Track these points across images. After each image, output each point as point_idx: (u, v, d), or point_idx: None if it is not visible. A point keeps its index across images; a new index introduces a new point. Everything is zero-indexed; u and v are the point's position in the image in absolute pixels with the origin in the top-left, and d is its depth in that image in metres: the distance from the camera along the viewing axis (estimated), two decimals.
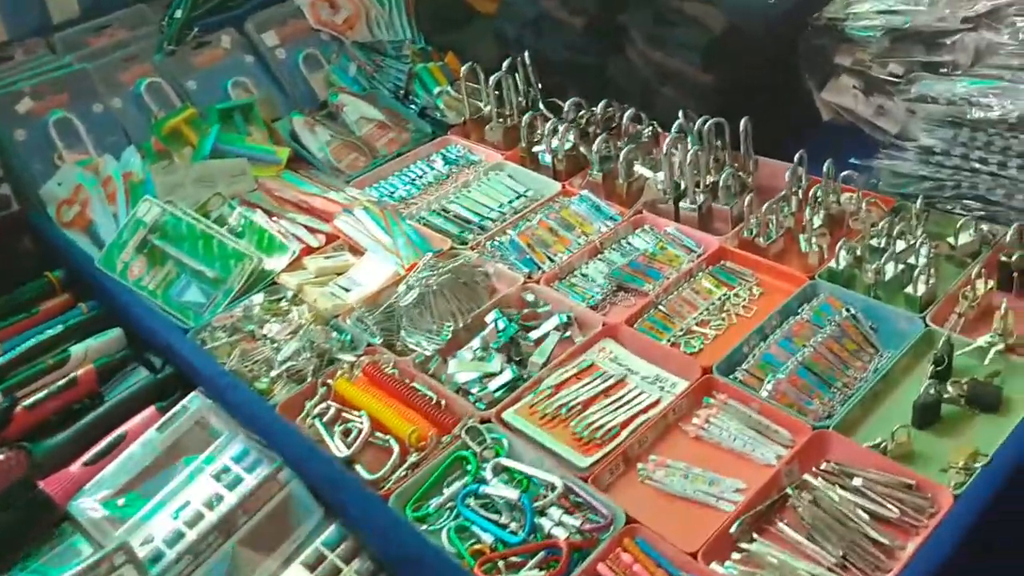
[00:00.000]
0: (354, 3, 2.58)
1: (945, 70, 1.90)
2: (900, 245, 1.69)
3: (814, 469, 1.35)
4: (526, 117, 2.16)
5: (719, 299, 1.72)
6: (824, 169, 1.83)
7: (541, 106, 2.26)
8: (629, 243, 1.90)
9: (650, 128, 2.12)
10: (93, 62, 2.33)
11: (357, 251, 1.95)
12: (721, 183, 1.88)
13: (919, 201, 1.73)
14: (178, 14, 2.42)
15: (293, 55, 2.52)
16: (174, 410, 1.68)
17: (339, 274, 1.90)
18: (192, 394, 1.70)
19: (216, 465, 1.57)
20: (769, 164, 1.98)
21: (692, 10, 2.01)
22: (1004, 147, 1.71)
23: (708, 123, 1.94)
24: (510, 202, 2.05)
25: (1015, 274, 1.59)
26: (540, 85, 2.29)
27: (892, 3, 1.93)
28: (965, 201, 1.75)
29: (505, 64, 2.24)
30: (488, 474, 1.40)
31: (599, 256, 1.87)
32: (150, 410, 1.71)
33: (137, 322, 1.89)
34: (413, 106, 2.42)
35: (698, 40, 1.99)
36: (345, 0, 2.57)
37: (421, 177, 2.20)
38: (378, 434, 1.53)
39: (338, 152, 2.27)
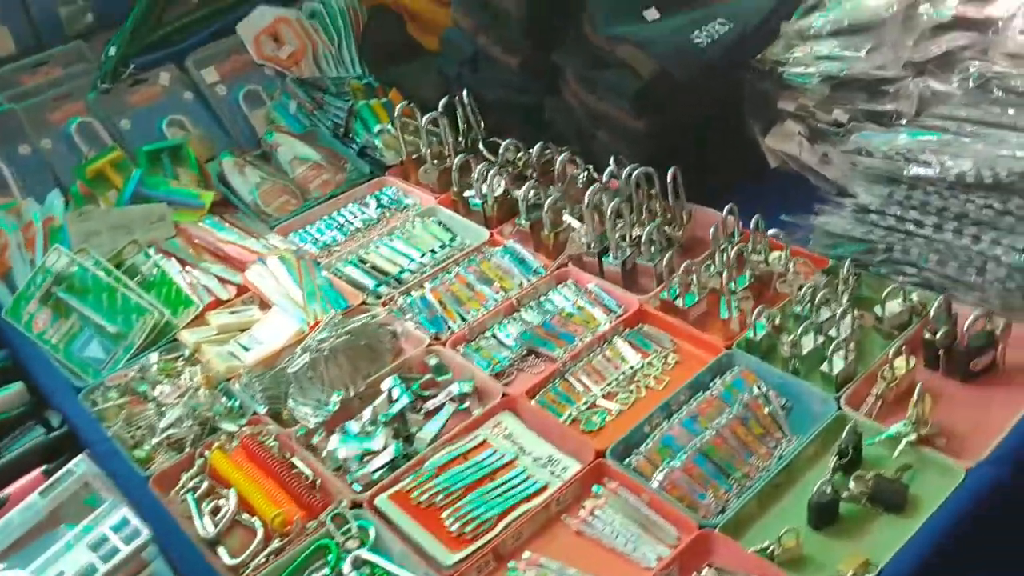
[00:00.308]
0: (300, 38, 2.50)
1: (888, 119, 1.77)
2: (825, 313, 1.57)
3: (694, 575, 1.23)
4: (457, 160, 2.06)
5: (631, 368, 1.61)
6: (752, 224, 1.71)
7: (480, 146, 2.16)
8: (550, 300, 1.79)
9: (585, 173, 2.01)
10: (23, 102, 2.28)
11: (268, 305, 1.87)
12: (644, 237, 1.76)
13: (847, 264, 1.60)
14: (112, 51, 2.36)
15: (234, 92, 2.44)
16: (59, 474, 1.60)
17: (243, 330, 1.82)
18: (78, 457, 1.62)
19: (95, 534, 1.50)
20: (707, 214, 1.86)
21: (623, 53, 1.89)
22: (941, 208, 1.58)
23: (635, 172, 1.83)
24: (433, 252, 1.95)
25: (941, 352, 1.46)
26: (482, 124, 2.19)
27: (831, 48, 1.80)
28: (898, 266, 1.61)
29: (441, 103, 2.15)
30: (347, 567, 1.30)
31: (515, 315, 1.76)
32: (35, 473, 1.65)
33: (36, 377, 1.83)
34: (353, 145, 2.33)
35: (628, 85, 1.88)
36: (290, 35, 2.49)
37: (350, 222, 2.10)
38: (245, 515, 1.44)
39: (268, 195, 2.18)
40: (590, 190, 1.81)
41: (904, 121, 1.76)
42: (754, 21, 1.90)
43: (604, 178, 1.91)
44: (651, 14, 2.02)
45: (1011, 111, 1.68)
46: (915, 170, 1.60)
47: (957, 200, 1.57)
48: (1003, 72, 1.73)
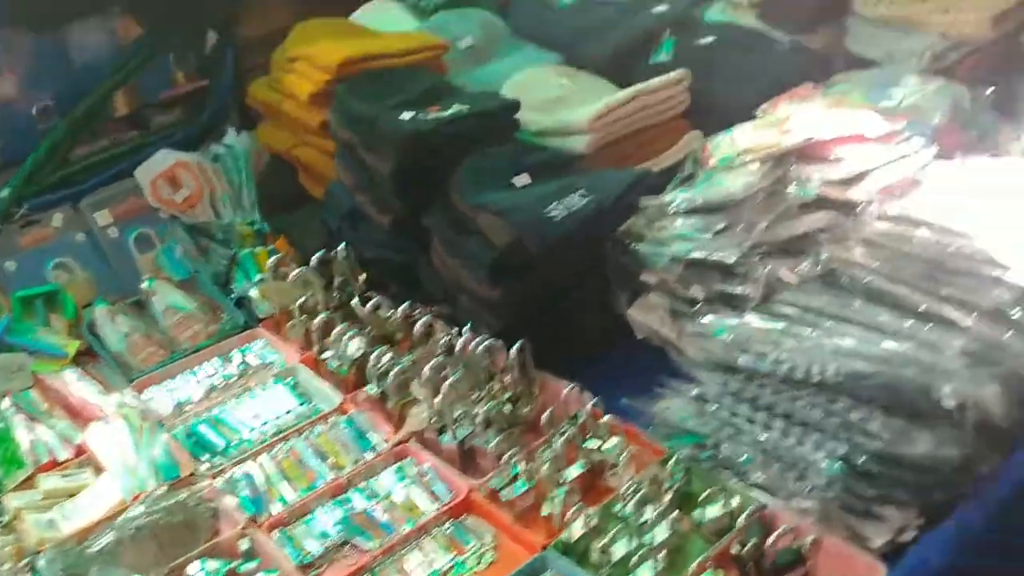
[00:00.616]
0: (198, 181, 2.50)
1: (740, 302, 1.72)
2: (649, 513, 1.49)
3: None
4: (319, 318, 2.02)
5: (444, 567, 1.52)
6: (587, 408, 1.65)
7: (355, 303, 2.12)
8: (385, 481, 1.71)
9: (446, 338, 1.95)
10: None
11: (102, 469, 1.80)
12: (480, 416, 1.70)
13: (672, 460, 1.52)
14: (5, 193, 2.36)
15: (126, 234, 2.43)
16: None
17: (72, 496, 1.75)
18: None
19: None
20: (562, 389, 1.79)
21: (482, 221, 1.87)
22: (770, 404, 1.51)
23: (482, 345, 1.78)
24: (277, 418, 1.88)
25: (751, 565, 1.37)
26: (362, 278, 2.16)
27: (685, 227, 1.77)
28: (726, 464, 1.53)
29: (314, 258, 2.13)
30: None
31: (343, 496, 1.68)
32: None
33: None
34: (233, 294, 2.30)
35: (485, 253, 1.85)
36: (188, 178, 2.49)
37: (210, 378, 2.05)
38: None
39: (136, 346, 2.14)
40: (432, 362, 1.76)
41: (751, 305, 1.71)
42: (612, 195, 1.87)
43: (459, 346, 1.86)
44: (521, 180, 2.00)
45: (856, 303, 1.63)
46: (747, 361, 1.55)
47: (787, 397, 1.50)
48: (852, 260, 1.68)
